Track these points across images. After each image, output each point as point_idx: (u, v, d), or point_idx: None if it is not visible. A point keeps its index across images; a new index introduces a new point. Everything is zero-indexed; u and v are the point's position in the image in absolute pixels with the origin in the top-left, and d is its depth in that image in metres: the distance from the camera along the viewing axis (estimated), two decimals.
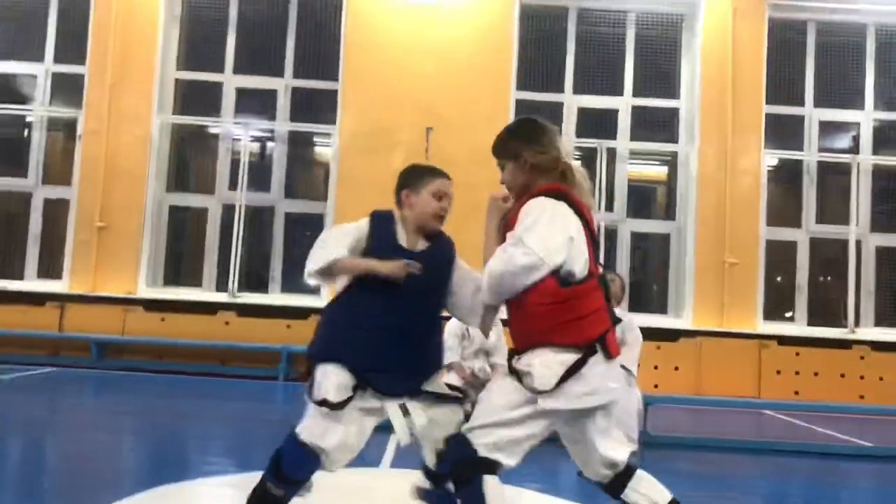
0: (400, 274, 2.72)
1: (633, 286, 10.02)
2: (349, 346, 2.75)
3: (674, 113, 10.28)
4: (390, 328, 2.76)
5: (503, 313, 2.86)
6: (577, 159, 10.36)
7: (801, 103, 10.25)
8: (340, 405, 2.68)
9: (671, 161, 10.46)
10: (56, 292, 9.55)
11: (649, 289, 10.62)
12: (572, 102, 10.15)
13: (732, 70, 9.84)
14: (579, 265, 2.57)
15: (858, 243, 10.01)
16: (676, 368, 9.30)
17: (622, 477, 2.59)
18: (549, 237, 2.51)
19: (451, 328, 5.94)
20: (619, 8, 10.18)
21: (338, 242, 2.86)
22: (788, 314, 10.01)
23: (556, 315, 2.51)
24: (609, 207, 9.96)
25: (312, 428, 2.72)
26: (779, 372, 9.35)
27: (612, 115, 10.19)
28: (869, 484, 5.28)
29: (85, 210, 9.71)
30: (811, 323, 9.90)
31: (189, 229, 10.53)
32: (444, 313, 2.94)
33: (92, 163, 9.76)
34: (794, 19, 10.20)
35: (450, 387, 2.97)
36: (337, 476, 4.44)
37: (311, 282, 2.88)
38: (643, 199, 10.88)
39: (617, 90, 10.19)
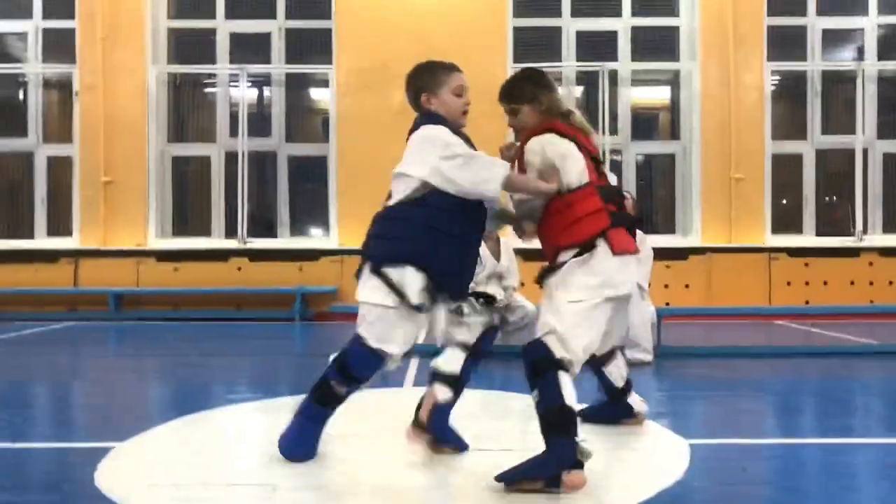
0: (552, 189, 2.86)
1: (641, 207, 10.02)
2: (434, 251, 2.84)
3: (674, 31, 10.11)
4: (467, 236, 2.92)
5: (514, 240, 3.17)
6: (579, 84, 10.25)
7: (804, 13, 10.06)
8: (419, 308, 2.83)
9: (673, 81, 10.33)
10: (68, 248, 9.63)
11: (657, 209, 10.61)
12: (570, 26, 9.99)
13: None
14: (574, 176, 2.87)
15: (865, 152, 9.94)
16: (687, 286, 9.36)
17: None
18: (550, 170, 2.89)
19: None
20: None
21: (476, 154, 2.90)
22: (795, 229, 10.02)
23: (558, 223, 2.86)
24: (613, 131, 9.89)
25: (377, 331, 2.87)
26: (789, 283, 9.41)
27: (611, 37, 10.04)
28: (877, 375, 5.36)
29: (88, 166, 9.71)
30: (820, 233, 9.91)
31: (193, 178, 10.53)
32: None
33: (91, 118, 9.73)
34: None
35: (487, 295, 3.39)
36: (363, 395, 4.57)
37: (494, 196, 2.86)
38: (647, 124, 10.79)
39: (615, 11, 10.01)
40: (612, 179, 3.12)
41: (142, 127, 9.75)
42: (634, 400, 3.65)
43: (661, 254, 9.29)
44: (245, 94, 10.00)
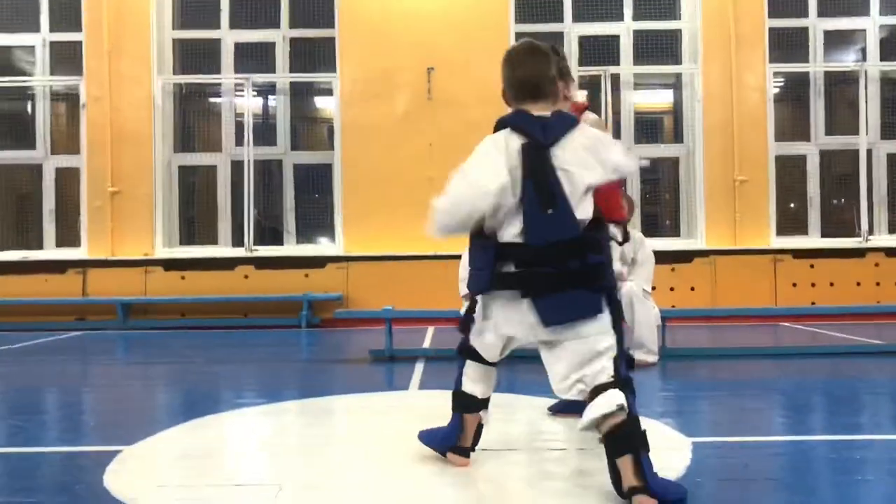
0: None
1: (645, 211, 10.05)
2: None
3: (676, 34, 10.15)
4: None
5: None
6: (582, 88, 10.28)
7: (805, 14, 10.09)
8: None
9: (676, 84, 10.37)
10: (76, 258, 9.71)
11: (661, 212, 10.62)
12: (572, 31, 10.05)
13: None
14: None
15: (869, 152, 9.95)
16: (692, 289, 9.37)
17: None
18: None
19: (465, 262, 6.03)
20: None
21: None
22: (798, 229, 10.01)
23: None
24: (616, 135, 9.92)
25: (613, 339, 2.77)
26: (794, 284, 9.41)
27: (613, 41, 10.09)
28: (884, 374, 5.36)
29: (96, 176, 9.80)
30: (824, 234, 9.91)
31: (199, 188, 10.61)
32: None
33: (98, 129, 9.82)
34: None
35: None
36: (369, 399, 4.62)
37: None
38: (650, 128, 10.81)
39: (617, 15, 10.06)
40: None
41: (148, 137, 9.83)
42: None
43: (665, 257, 9.35)
44: (250, 103, 10.09)
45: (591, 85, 10.12)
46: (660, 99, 11.02)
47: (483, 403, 2.95)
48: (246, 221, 9.86)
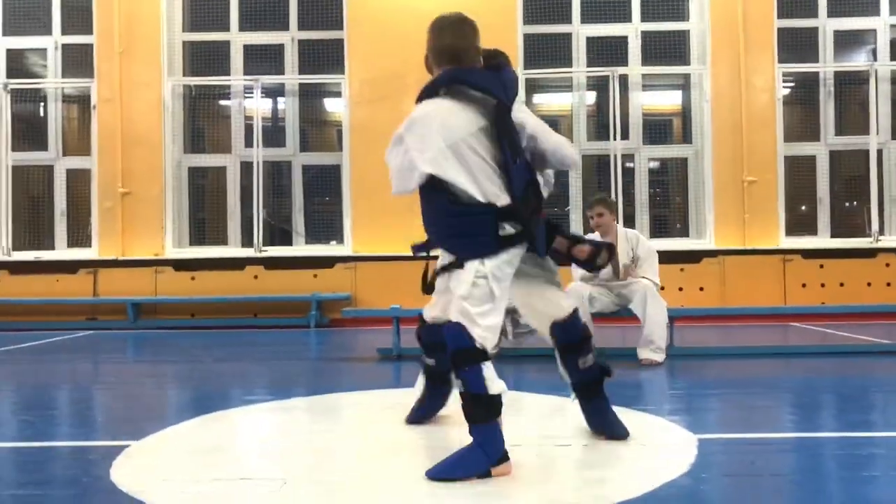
0: None
1: (653, 212, 10.03)
2: None
3: (684, 35, 10.13)
4: None
5: None
6: (590, 89, 10.29)
7: (815, 14, 10.05)
8: None
9: (684, 84, 10.35)
10: (87, 259, 9.78)
11: (670, 213, 10.60)
12: (580, 32, 10.04)
13: None
14: None
15: (879, 152, 9.89)
16: (701, 289, 9.34)
17: None
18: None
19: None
20: None
21: None
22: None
23: None
24: (625, 136, 9.91)
25: None
26: (804, 285, 9.36)
27: (621, 42, 10.08)
28: (893, 373, 5.32)
29: (106, 178, 9.87)
30: (834, 235, 9.86)
31: (209, 189, 10.67)
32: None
33: (109, 131, 9.89)
34: None
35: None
36: (376, 396, 4.63)
37: None
38: (659, 128, 10.79)
39: (625, 16, 10.06)
40: None
41: (158, 138, 9.90)
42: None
43: (674, 257, 9.34)
44: (259, 104, 10.14)
45: (600, 86, 10.13)
46: (668, 100, 11.00)
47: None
48: (255, 222, 9.90)
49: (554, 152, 3.09)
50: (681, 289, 9.16)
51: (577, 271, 6.16)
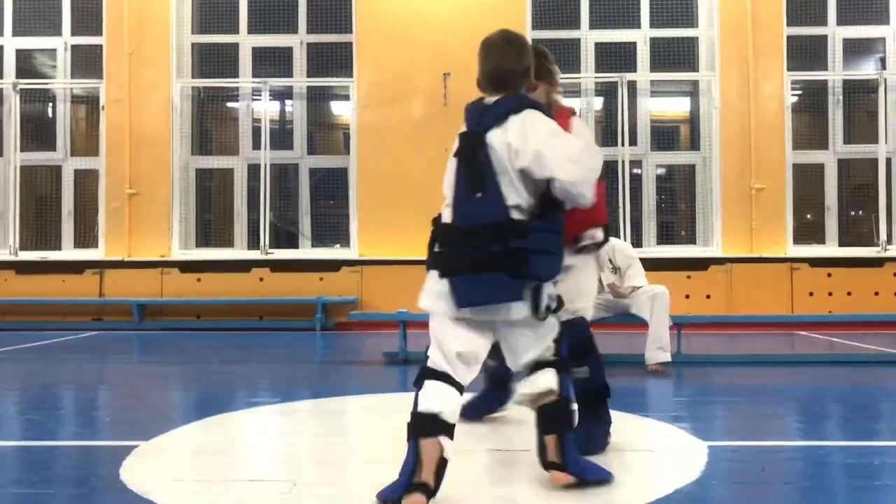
0: None
1: (660, 218, 10.01)
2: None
3: (693, 42, 10.13)
4: None
5: None
6: (598, 95, 10.29)
7: (824, 22, 10.04)
8: None
9: (693, 91, 10.34)
10: (94, 259, 9.80)
11: (677, 220, 10.58)
12: (589, 38, 10.05)
13: None
14: None
15: (888, 161, 9.87)
16: (708, 297, 9.31)
17: None
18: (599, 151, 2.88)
19: None
20: None
21: None
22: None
23: (601, 202, 3.09)
24: (633, 142, 9.90)
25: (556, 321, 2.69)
26: (811, 294, 9.33)
27: (630, 48, 10.08)
28: None
29: (114, 178, 9.89)
30: (842, 244, 9.83)
31: (216, 191, 10.68)
32: None
33: (117, 132, 9.92)
34: None
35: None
36: (382, 400, 4.62)
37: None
38: (667, 135, 10.79)
39: (634, 22, 10.06)
40: None
41: (166, 140, 9.92)
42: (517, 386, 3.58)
43: (681, 264, 9.34)
44: (267, 107, 10.16)
45: (608, 91, 10.12)
46: (676, 106, 10.99)
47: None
48: (262, 224, 9.91)
49: (565, 191, 2.53)
50: (687, 296, 9.13)
51: None
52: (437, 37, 9.66)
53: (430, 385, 2.56)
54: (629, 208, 9.58)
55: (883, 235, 9.66)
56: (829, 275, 9.38)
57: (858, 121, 10.25)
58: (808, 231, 9.97)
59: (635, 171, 9.97)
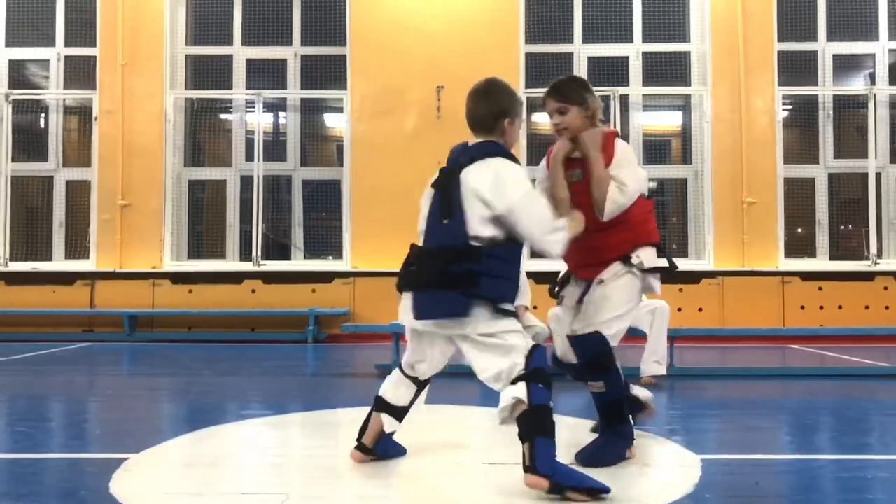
0: None
1: None
2: (516, 287, 2.95)
3: (685, 57, 10.20)
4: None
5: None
6: None
7: (814, 38, 10.14)
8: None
9: (685, 105, 10.41)
10: (84, 270, 9.75)
11: (669, 233, 10.60)
12: (582, 52, 10.11)
13: (742, 9, 9.75)
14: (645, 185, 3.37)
15: (878, 176, 9.94)
16: (700, 310, 9.34)
17: None
18: (640, 174, 3.25)
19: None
20: None
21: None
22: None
23: (648, 221, 3.34)
24: None
25: (524, 340, 2.85)
26: (803, 307, 9.37)
27: (622, 62, 10.14)
28: (893, 396, 5.31)
29: (106, 189, 9.87)
30: (833, 258, 9.88)
31: (209, 202, 10.66)
32: None
33: (110, 143, 9.90)
34: None
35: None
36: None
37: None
38: (659, 149, 10.84)
39: (626, 37, 10.13)
40: None
41: (159, 151, 9.91)
42: (637, 391, 3.69)
43: (673, 277, 9.33)
44: (261, 118, 10.16)
45: None
46: (668, 120, 11.05)
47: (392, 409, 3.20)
48: (254, 236, 9.89)
49: (533, 245, 2.93)
50: (680, 309, 9.13)
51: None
52: (430, 50, 9.71)
53: (392, 373, 3.23)
54: None
55: (873, 249, 9.71)
56: (821, 288, 9.42)
57: (848, 136, 10.34)
58: (799, 245, 10.02)
59: None
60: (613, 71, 10.08)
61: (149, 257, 9.81)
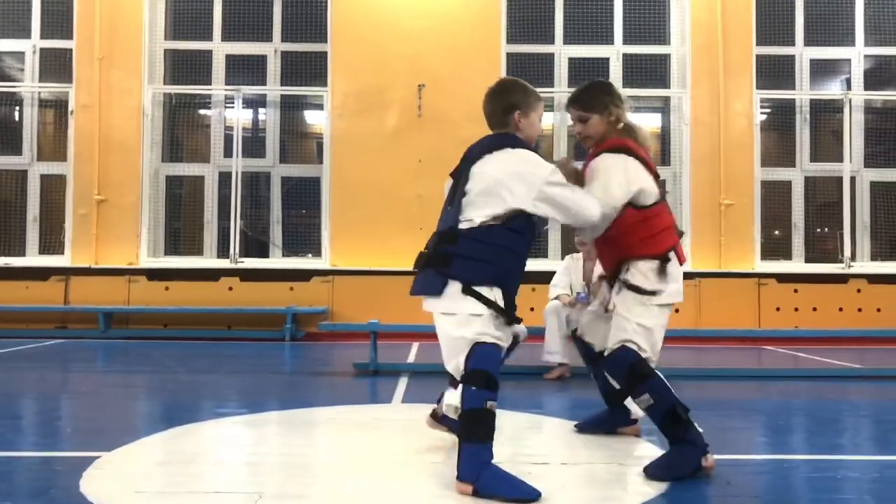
0: None
1: None
2: (510, 272, 2.92)
3: (665, 59, 10.27)
4: (526, 255, 3.01)
5: None
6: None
7: (792, 43, 10.25)
8: (512, 321, 2.92)
9: (664, 108, 10.48)
10: (59, 266, 9.63)
11: None
12: (562, 53, 10.14)
13: (722, 12, 9.83)
14: (649, 197, 3.18)
15: (853, 180, 10.07)
16: (677, 310, 9.27)
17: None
18: (615, 191, 3.09)
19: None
20: None
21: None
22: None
23: (635, 234, 3.14)
24: None
25: (489, 330, 2.83)
26: (778, 309, 9.47)
27: (603, 64, 10.19)
28: (864, 397, 5.39)
29: (82, 184, 9.75)
30: (808, 260, 10.00)
31: (186, 198, 10.57)
32: None
33: (86, 137, 9.78)
34: None
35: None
36: (352, 411, 4.59)
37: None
38: None
39: (607, 39, 10.17)
40: None
41: (136, 146, 9.80)
42: (632, 406, 3.69)
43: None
44: (240, 115, 10.09)
45: None
46: (648, 122, 11.11)
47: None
48: (232, 233, 9.82)
49: (571, 219, 3.01)
50: None
51: (553, 290, 6.20)
52: (412, 48, 9.69)
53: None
54: None
55: (847, 252, 9.84)
56: (796, 290, 9.53)
57: (824, 140, 10.47)
58: (775, 247, 10.12)
59: None
60: (594, 72, 10.12)
61: (125, 253, 9.71)
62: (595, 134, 3.26)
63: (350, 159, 9.74)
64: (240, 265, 9.75)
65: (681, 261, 3.25)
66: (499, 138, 3.00)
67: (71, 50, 9.92)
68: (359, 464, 3.21)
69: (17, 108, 10.31)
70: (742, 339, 8.84)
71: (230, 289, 9.57)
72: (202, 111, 10.61)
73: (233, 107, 10.11)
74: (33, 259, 9.85)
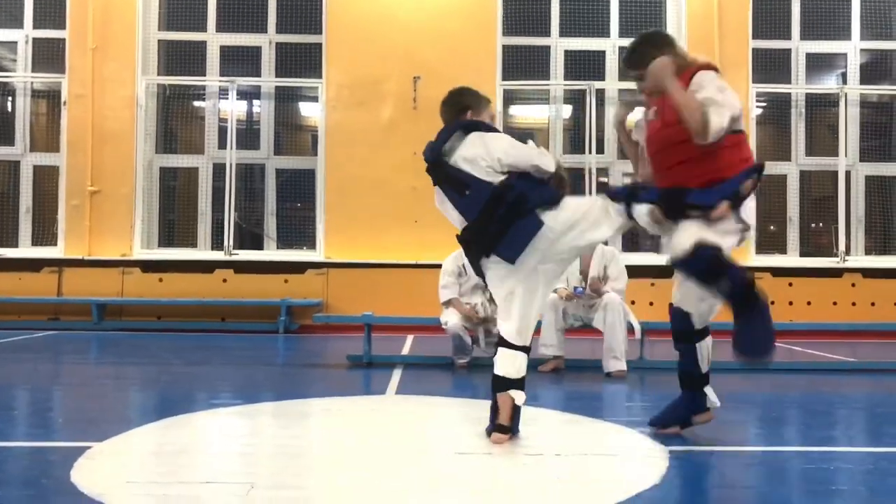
0: None
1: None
2: None
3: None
4: None
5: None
6: (566, 102, 10.36)
7: (788, 37, 10.24)
8: None
9: None
10: (52, 257, 9.58)
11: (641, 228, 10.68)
12: (558, 45, 10.11)
13: (718, 6, 9.81)
14: (741, 123, 3.41)
15: (848, 174, 10.08)
16: (671, 305, 9.37)
17: None
18: (732, 99, 3.37)
19: (447, 267, 6.06)
20: None
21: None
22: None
23: (734, 153, 3.34)
24: (600, 150, 9.98)
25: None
26: (773, 302, 9.37)
27: (598, 56, 10.17)
28: (858, 390, 5.40)
29: (75, 175, 9.69)
30: (803, 254, 10.01)
31: (180, 190, 10.52)
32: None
33: (79, 128, 9.72)
34: None
35: None
36: (346, 402, 4.58)
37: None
38: None
39: (603, 31, 10.15)
40: None
41: (130, 137, 9.75)
42: (710, 393, 3.63)
43: (645, 272, 9.40)
44: (234, 106, 10.04)
45: (576, 99, 10.19)
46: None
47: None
48: (226, 225, 9.78)
49: (533, 170, 3.37)
50: (651, 303, 9.20)
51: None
52: (407, 40, 9.64)
53: (499, 352, 3.46)
54: None
55: (842, 247, 9.85)
56: (791, 284, 9.54)
57: (820, 134, 10.46)
58: (770, 241, 10.12)
59: (602, 179, 10.04)
60: (590, 65, 10.10)
61: (118, 245, 9.66)
62: (653, 87, 3.45)
63: (345, 151, 9.70)
64: (234, 257, 9.72)
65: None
66: (457, 125, 3.38)
67: (64, 40, 9.85)
68: (352, 454, 3.19)
69: (10, 98, 10.23)
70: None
71: (224, 281, 9.54)
72: (196, 102, 10.55)
73: (227, 98, 10.05)
74: (26, 250, 9.80)
